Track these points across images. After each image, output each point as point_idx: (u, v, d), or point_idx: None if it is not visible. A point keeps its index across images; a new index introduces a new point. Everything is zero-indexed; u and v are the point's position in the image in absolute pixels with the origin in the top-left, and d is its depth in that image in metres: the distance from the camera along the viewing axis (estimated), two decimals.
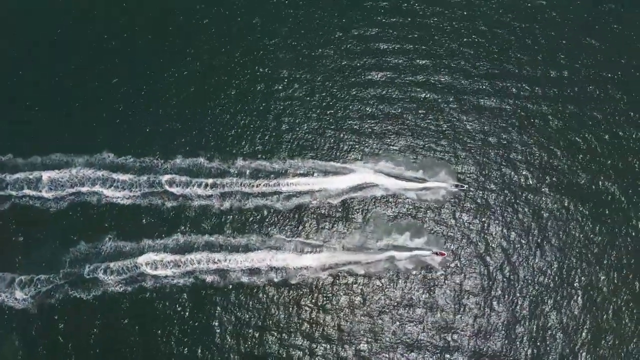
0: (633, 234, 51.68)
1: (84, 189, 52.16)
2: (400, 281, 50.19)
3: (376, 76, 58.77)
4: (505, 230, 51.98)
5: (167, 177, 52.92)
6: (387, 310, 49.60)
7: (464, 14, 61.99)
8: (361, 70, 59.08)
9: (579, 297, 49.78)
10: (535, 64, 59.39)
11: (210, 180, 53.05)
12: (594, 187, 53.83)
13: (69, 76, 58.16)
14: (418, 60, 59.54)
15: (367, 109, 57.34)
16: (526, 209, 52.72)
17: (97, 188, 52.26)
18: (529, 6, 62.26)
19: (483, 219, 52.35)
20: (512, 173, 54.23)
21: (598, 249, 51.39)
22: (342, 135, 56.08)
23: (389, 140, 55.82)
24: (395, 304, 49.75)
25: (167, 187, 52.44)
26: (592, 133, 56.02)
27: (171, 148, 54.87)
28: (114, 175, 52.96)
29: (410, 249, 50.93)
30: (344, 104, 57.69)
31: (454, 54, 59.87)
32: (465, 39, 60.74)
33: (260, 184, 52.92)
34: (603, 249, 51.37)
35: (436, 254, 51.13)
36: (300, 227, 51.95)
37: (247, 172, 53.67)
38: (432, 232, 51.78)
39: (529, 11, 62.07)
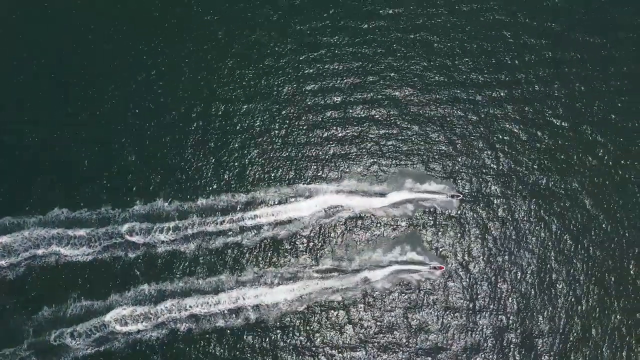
0: None
1: (40, 251, 49.66)
2: (380, 302, 49.39)
3: (333, 99, 58.20)
4: (485, 242, 51.83)
5: (126, 226, 50.86)
6: (369, 340, 48.86)
7: (409, 28, 61.98)
8: (317, 95, 58.30)
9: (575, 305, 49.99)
10: (478, 69, 59.68)
11: (172, 224, 51.22)
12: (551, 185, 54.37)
13: (8, 132, 55.78)
14: (369, 77, 59.31)
15: (325, 132, 56.49)
16: (497, 218, 52.84)
17: (53, 248, 49.82)
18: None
19: (452, 230, 52.19)
20: (482, 180, 54.24)
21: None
22: (302, 160, 54.98)
23: (350, 160, 55.05)
24: (380, 328, 49.00)
25: (128, 237, 50.40)
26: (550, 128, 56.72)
27: (127, 195, 52.89)
28: (70, 232, 50.63)
29: (406, 263, 50.20)
30: (302, 129, 56.66)
31: (401, 69, 59.74)
32: (412, 52, 60.68)
33: (224, 221, 51.35)
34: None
35: (435, 268, 50.40)
36: (270, 260, 50.58)
37: (210, 209, 52.08)
38: (411, 245, 51.23)
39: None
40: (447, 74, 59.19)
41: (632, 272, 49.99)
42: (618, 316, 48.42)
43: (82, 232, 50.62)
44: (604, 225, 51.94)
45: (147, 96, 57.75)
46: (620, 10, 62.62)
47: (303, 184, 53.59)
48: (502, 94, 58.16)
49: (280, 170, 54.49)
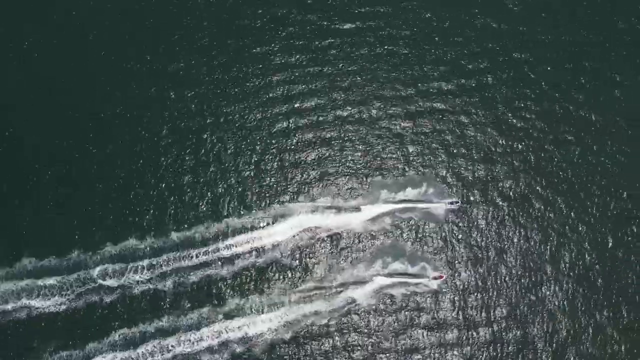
0: None
1: (9, 306, 47.53)
2: (368, 320, 48.85)
3: (300, 119, 57.37)
4: (473, 248, 51.79)
5: (98, 269, 49.05)
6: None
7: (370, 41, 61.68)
8: (285, 117, 57.37)
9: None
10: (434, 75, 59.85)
11: (146, 262, 49.62)
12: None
13: None
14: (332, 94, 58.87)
15: (295, 153, 55.58)
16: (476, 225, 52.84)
17: (24, 301, 47.72)
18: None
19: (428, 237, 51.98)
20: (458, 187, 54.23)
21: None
22: (274, 183, 53.97)
23: (323, 177, 54.27)
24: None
25: (101, 281, 48.62)
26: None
27: (97, 236, 51.12)
28: (40, 282, 48.56)
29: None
30: (272, 152, 55.57)
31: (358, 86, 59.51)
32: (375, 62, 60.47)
33: (200, 254, 49.99)
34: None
35: (435, 278, 49.82)
36: (251, 289, 49.44)
37: (184, 243, 50.65)
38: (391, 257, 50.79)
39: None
40: (414, 84, 58.88)
41: None
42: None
43: (52, 280, 48.62)
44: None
45: (110, 132, 55.97)
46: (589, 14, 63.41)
47: (277, 207, 52.58)
48: (469, 101, 58.25)
49: (253, 196, 53.36)
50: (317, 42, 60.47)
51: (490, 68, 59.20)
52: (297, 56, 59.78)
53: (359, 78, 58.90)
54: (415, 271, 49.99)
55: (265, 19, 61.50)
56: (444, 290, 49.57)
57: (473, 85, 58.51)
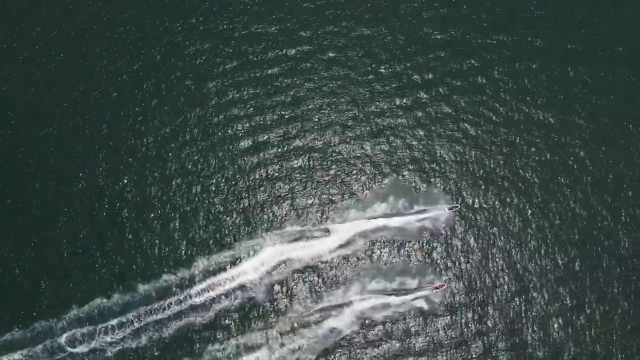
0: None
1: None
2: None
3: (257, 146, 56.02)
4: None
5: (66, 336, 46.50)
6: None
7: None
8: (241, 148, 55.89)
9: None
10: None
11: (115, 321, 47.39)
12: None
13: None
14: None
15: (257, 183, 54.20)
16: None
17: None
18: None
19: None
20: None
21: None
22: (237, 218, 52.42)
23: (288, 204, 53.17)
24: None
25: (70, 349, 46.14)
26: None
27: (59, 299, 48.46)
28: (5, 358, 45.80)
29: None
30: (232, 187, 54.01)
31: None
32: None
33: (171, 304, 48.11)
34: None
35: (436, 288, 49.25)
36: (229, 333, 47.91)
37: (153, 295, 48.65)
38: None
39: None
40: (370, 96, 58.51)
41: None
42: None
43: (17, 356, 45.86)
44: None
45: (56, 187, 53.27)
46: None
47: (243, 242, 51.09)
48: (426, 115, 58.16)
49: (217, 234, 51.69)
50: (269, 70, 59.53)
51: (443, 79, 59.59)
52: (252, 89, 58.55)
53: (316, 103, 58.35)
54: (414, 285, 49.58)
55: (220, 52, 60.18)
56: (433, 305, 49.50)
57: (429, 97, 58.68)
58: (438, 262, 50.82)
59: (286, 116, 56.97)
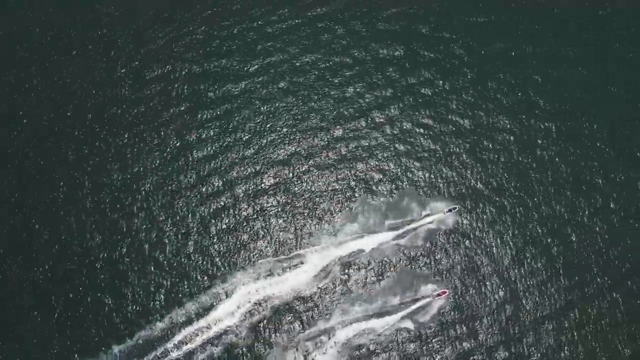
0: None
1: None
2: None
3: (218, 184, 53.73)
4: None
5: None
6: None
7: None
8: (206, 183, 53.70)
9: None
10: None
11: None
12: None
13: None
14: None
15: (224, 221, 52.19)
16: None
17: None
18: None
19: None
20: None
21: None
22: (208, 259, 50.40)
23: (258, 239, 51.27)
24: None
25: None
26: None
27: None
28: None
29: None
30: (203, 228, 51.89)
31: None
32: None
33: None
34: None
35: (438, 295, 48.26)
36: None
37: (129, 354, 46.54)
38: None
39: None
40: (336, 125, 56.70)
41: None
42: None
43: None
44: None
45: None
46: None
47: (218, 285, 49.14)
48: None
49: (188, 280, 49.60)
50: (226, 106, 57.22)
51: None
52: (212, 130, 56.08)
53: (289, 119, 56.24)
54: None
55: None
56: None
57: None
58: (423, 271, 49.86)
59: (247, 152, 55.04)
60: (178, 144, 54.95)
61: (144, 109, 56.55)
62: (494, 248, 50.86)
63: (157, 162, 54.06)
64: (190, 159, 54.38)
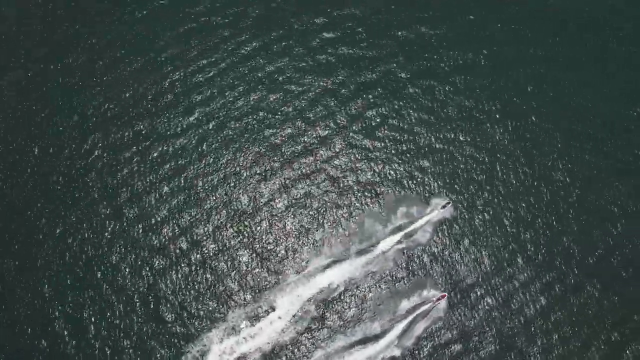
0: None
1: None
2: None
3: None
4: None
5: None
6: None
7: None
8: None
9: None
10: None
11: None
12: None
13: None
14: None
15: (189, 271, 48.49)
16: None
17: None
18: None
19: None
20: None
21: None
22: (175, 322, 46.83)
23: (218, 293, 47.98)
24: None
25: None
26: None
27: None
28: None
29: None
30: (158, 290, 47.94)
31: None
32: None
33: None
34: None
35: (439, 299, 46.82)
36: None
37: None
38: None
39: None
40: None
41: None
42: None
43: None
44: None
45: None
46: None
47: (190, 350, 45.78)
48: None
49: (156, 347, 46.01)
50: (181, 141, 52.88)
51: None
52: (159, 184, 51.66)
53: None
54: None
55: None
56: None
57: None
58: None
59: (199, 198, 51.35)
60: (128, 194, 50.97)
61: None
62: (463, 265, 50.30)
63: (102, 220, 49.72)
64: (138, 213, 50.53)
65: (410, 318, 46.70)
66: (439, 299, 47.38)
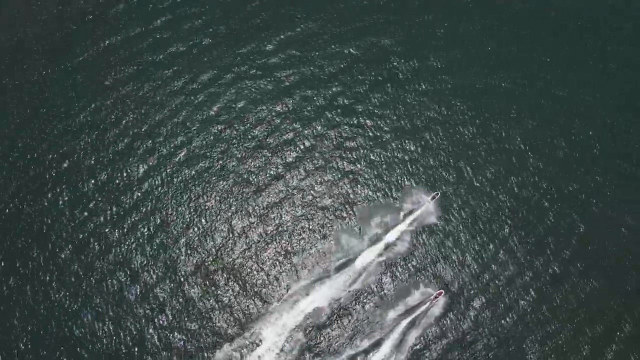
0: None
1: None
2: None
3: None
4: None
5: None
6: None
7: None
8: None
9: None
10: None
11: None
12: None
13: None
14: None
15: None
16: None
17: None
18: None
19: None
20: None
21: None
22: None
23: (202, 332, 45.62)
24: None
25: None
26: None
27: None
28: None
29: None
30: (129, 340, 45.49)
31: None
32: None
33: None
34: None
35: (435, 297, 45.14)
36: None
37: None
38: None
39: None
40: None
41: None
42: None
43: None
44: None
45: None
46: None
47: None
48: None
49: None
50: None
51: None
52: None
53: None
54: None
55: None
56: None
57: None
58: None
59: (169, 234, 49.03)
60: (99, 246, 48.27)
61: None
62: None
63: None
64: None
65: (403, 325, 45.49)
66: (436, 297, 45.93)
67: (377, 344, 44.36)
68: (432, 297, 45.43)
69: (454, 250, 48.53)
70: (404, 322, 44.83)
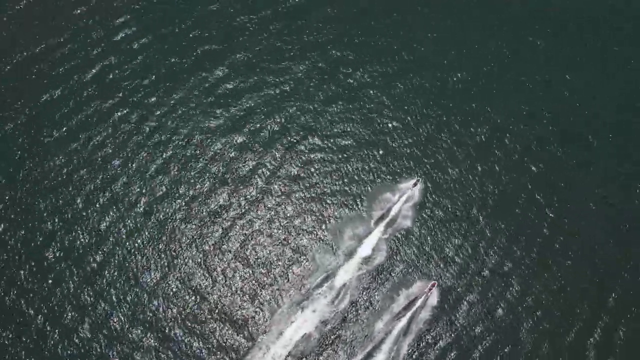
0: None
1: None
2: None
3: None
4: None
5: None
6: None
7: None
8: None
9: None
10: None
11: None
12: None
13: None
14: None
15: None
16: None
17: None
18: None
19: None
20: None
21: None
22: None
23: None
24: None
25: None
26: None
27: None
28: None
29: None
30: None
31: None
32: None
33: None
34: None
35: (430, 289, 44.68)
36: None
37: None
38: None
39: None
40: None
41: None
42: None
43: None
44: None
45: None
46: None
47: None
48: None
49: None
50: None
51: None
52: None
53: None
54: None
55: None
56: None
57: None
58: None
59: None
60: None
61: None
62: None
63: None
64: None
65: (398, 328, 44.50)
66: (430, 289, 45.24)
67: (372, 355, 43.19)
68: (426, 290, 44.90)
69: (434, 248, 47.97)
70: (398, 326, 43.70)
